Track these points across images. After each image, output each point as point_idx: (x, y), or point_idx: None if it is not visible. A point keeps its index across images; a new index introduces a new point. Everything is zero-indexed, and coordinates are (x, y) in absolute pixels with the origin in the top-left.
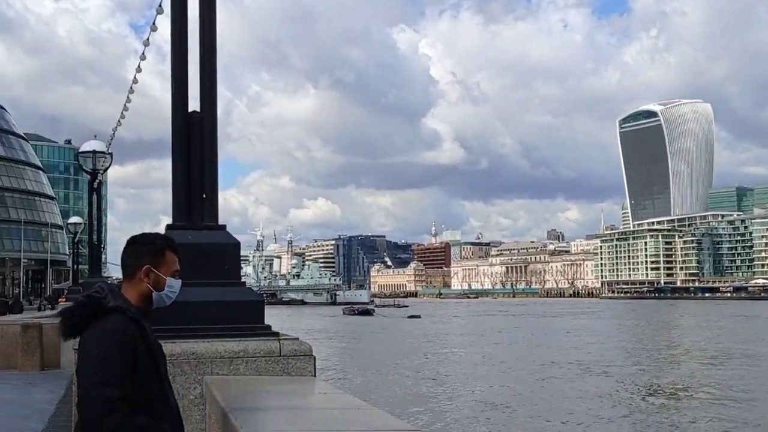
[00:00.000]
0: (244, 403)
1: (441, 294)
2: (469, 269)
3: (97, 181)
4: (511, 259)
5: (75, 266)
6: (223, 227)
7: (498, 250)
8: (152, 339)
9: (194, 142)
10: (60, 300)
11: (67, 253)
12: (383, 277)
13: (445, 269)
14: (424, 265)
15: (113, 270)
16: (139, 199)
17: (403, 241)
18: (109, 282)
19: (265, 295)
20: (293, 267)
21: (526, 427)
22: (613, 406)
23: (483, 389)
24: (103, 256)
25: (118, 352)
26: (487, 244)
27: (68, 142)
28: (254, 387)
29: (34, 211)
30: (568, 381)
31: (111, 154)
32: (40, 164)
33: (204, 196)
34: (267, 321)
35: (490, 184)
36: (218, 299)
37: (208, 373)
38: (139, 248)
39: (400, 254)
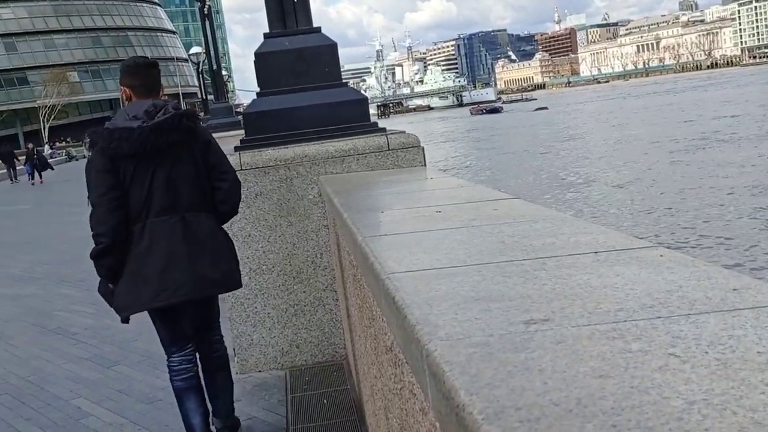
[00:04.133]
0: (353, 194)
1: (570, 83)
2: (597, 53)
3: (207, 6)
4: (642, 37)
5: (204, 96)
6: (318, 29)
7: (627, 29)
8: (144, 147)
9: None
10: None
11: (196, 84)
12: (508, 73)
13: (573, 56)
14: (550, 54)
15: (242, 97)
16: (255, 24)
17: (525, 33)
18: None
19: (391, 104)
20: (416, 73)
21: (654, 206)
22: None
23: (612, 171)
24: (231, 84)
25: (95, 177)
26: (615, 24)
27: None
28: (364, 180)
29: (159, 47)
30: (700, 154)
31: None
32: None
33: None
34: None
35: None
36: (322, 102)
37: (323, 173)
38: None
39: (523, 46)
